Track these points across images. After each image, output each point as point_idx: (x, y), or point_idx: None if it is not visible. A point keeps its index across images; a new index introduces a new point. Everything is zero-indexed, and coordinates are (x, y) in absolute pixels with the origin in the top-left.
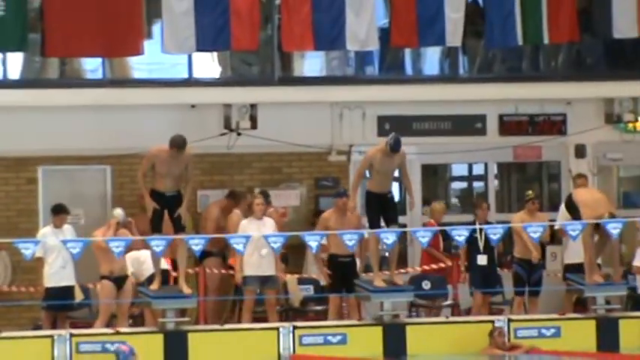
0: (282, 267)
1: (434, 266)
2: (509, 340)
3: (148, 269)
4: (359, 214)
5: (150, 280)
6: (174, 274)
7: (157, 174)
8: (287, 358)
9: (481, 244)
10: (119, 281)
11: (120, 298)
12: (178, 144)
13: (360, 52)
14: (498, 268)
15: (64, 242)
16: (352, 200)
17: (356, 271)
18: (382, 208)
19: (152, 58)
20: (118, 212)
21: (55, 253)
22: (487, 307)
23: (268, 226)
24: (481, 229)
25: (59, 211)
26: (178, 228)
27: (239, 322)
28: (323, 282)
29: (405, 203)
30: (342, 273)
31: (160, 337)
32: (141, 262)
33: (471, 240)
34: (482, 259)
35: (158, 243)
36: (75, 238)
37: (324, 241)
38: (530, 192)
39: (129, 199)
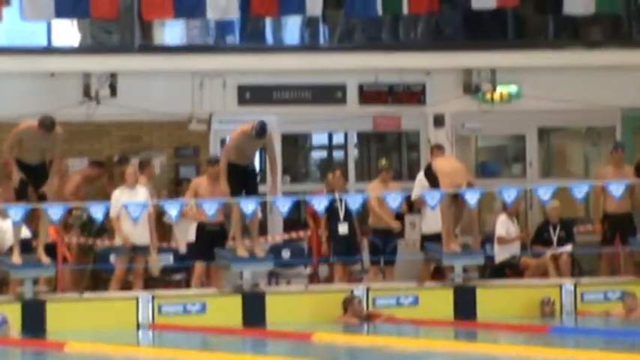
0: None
1: (294, 235)
2: (367, 308)
3: (11, 239)
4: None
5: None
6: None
7: (23, 147)
8: (146, 327)
9: (341, 214)
10: None
11: None
12: (47, 126)
13: (221, 20)
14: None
15: None
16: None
17: (224, 240)
18: (243, 180)
19: (10, 25)
20: None
21: None
22: (347, 276)
23: (141, 194)
24: (341, 199)
25: None
26: (41, 198)
27: (105, 290)
28: (182, 250)
29: (266, 172)
30: (210, 241)
31: (18, 306)
32: (3, 231)
33: (331, 209)
34: (343, 228)
35: (16, 211)
36: None
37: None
38: (383, 161)
39: None
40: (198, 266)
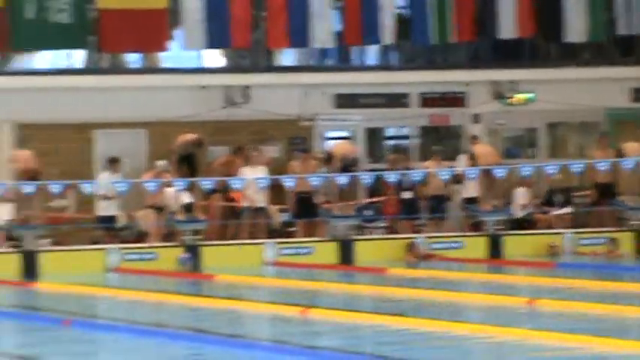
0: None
1: (374, 199)
2: (426, 251)
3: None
4: (317, 163)
5: (184, 208)
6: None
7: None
8: (271, 264)
9: (406, 184)
10: (159, 210)
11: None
12: (199, 144)
13: (322, 48)
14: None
15: (115, 183)
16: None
17: (314, 203)
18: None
19: (175, 53)
20: (160, 163)
21: (105, 192)
22: (412, 228)
23: (260, 171)
24: (406, 174)
25: (113, 161)
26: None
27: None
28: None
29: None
30: (305, 204)
31: (179, 250)
32: (172, 196)
33: (399, 181)
34: (407, 194)
35: (179, 183)
36: (123, 180)
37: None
38: (435, 147)
39: (159, 153)
40: (299, 223)
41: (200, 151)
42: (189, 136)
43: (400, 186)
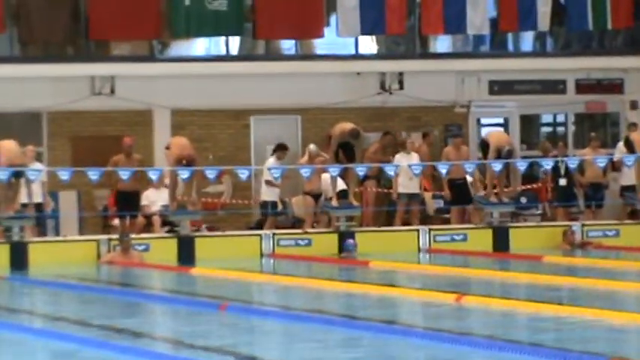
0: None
1: (528, 186)
2: (582, 238)
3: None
4: (469, 149)
5: (338, 195)
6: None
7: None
8: (426, 250)
9: (562, 171)
10: (316, 197)
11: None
12: (354, 135)
13: (477, 34)
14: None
15: (269, 169)
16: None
17: (468, 190)
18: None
19: (329, 40)
20: (311, 147)
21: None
22: (567, 216)
23: (414, 158)
24: (562, 160)
25: (281, 148)
26: (350, 161)
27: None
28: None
29: None
30: (459, 191)
31: (335, 236)
32: (328, 183)
33: (555, 168)
34: (562, 181)
35: (334, 169)
36: (279, 166)
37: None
38: (592, 134)
39: (313, 139)
40: (455, 209)
41: (357, 142)
42: (347, 126)
43: (556, 173)
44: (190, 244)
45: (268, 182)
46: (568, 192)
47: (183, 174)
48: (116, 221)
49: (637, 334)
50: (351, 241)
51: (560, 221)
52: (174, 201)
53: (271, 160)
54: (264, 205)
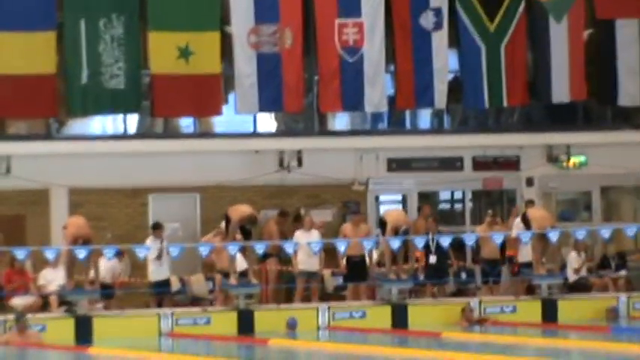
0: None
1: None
2: (480, 314)
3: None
4: (369, 227)
5: (241, 273)
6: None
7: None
8: (325, 328)
9: (433, 248)
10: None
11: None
12: (252, 221)
13: (375, 112)
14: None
15: (167, 247)
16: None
17: (366, 268)
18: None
19: (228, 117)
20: (222, 226)
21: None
22: (437, 294)
23: (314, 236)
24: (433, 238)
25: (157, 227)
26: (247, 237)
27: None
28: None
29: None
30: (357, 268)
31: (234, 314)
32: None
33: (426, 245)
34: (432, 259)
35: (232, 247)
36: (174, 244)
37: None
38: (490, 211)
39: (212, 217)
40: (350, 287)
41: (253, 227)
42: (245, 211)
43: (427, 250)
44: (88, 323)
45: (153, 260)
46: (439, 269)
47: (80, 253)
48: (14, 301)
49: None
50: (292, 318)
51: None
52: (71, 280)
53: (149, 240)
54: (155, 284)
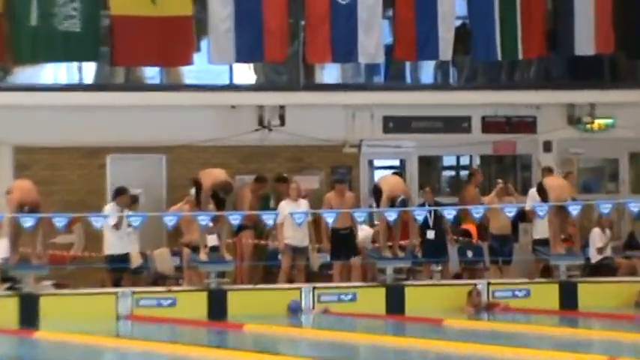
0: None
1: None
2: (488, 299)
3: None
4: (355, 195)
5: (212, 248)
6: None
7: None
8: (309, 309)
9: (431, 222)
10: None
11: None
12: (226, 189)
13: (370, 64)
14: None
15: (128, 217)
16: None
17: (354, 242)
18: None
19: (200, 67)
20: (192, 193)
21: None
22: (429, 273)
23: (302, 206)
24: (430, 210)
25: (120, 193)
26: (221, 207)
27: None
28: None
29: None
30: (343, 242)
31: (204, 295)
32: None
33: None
34: (430, 234)
35: (203, 218)
36: (136, 214)
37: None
38: (499, 180)
39: (180, 183)
40: (337, 265)
41: (228, 197)
42: (219, 177)
43: (424, 224)
44: (34, 303)
45: (110, 229)
46: (437, 245)
47: (27, 222)
48: None
49: None
50: (295, 301)
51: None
52: (15, 253)
53: (109, 207)
54: (112, 259)
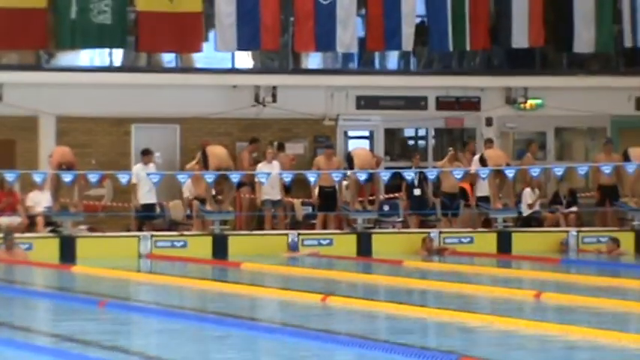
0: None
1: (391, 195)
2: (439, 245)
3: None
4: (340, 160)
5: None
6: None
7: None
8: (295, 247)
9: (416, 182)
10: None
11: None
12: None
13: (346, 52)
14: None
15: (149, 174)
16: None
17: (336, 198)
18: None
19: (208, 54)
20: (199, 156)
21: (142, 182)
22: (422, 224)
23: (275, 166)
24: (422, 172)
25: (146, 153)
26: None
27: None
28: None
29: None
30: (328, 198)
31: (209, 239)
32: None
33: (412, 179)
34: (417, 192)
35: (210, 176)
36: (156, 172)
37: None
38: (450, 148)
39: (191, 148)
40: (321, 215)
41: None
42: (221, 160)
43: (411, 184)
44: (72, 243)
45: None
46: (422, 201)
47: (66, 177)
48: (1, 220)
49: (487, 334)
50: (294, 239)
51: (414, 228)
52: (57, 203)
53: (139, 166)
54: (142, 208)
